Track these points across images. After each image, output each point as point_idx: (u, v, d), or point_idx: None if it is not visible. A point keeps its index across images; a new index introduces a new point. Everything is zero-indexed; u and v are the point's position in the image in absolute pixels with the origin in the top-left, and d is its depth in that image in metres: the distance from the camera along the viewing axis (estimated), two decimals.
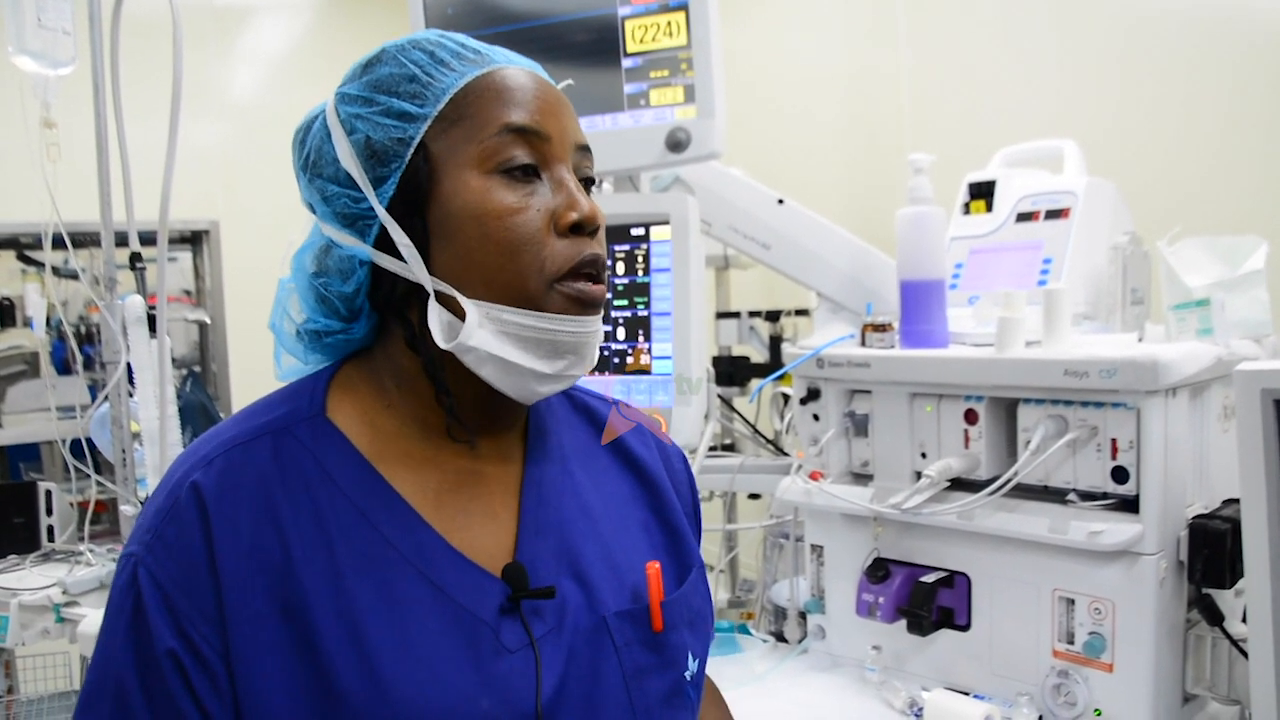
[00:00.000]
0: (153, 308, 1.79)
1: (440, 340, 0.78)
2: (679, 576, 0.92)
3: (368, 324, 0.84)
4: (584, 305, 0.80)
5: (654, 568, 0.86)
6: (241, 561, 0.74)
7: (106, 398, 1.94)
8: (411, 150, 0.78)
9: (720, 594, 2.58)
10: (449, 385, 0.81)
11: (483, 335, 0.77)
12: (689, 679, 0.88)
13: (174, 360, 3.53)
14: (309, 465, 0.78)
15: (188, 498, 0.75)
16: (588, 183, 0.85)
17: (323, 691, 0.72)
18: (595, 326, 0.81)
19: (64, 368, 3.39)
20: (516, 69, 0.82)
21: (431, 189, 0.78)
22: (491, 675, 0.76)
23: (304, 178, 0.83)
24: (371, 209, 0.78)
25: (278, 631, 0.73)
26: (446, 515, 0.81)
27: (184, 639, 0.72)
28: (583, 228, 0.79)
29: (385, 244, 0.79)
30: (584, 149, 0.84)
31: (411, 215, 0.78)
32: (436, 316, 0.78)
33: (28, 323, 3.30)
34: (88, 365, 3.35)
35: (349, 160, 0.79)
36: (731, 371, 2.78)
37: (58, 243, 2.17)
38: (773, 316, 2.81)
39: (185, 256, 3.90)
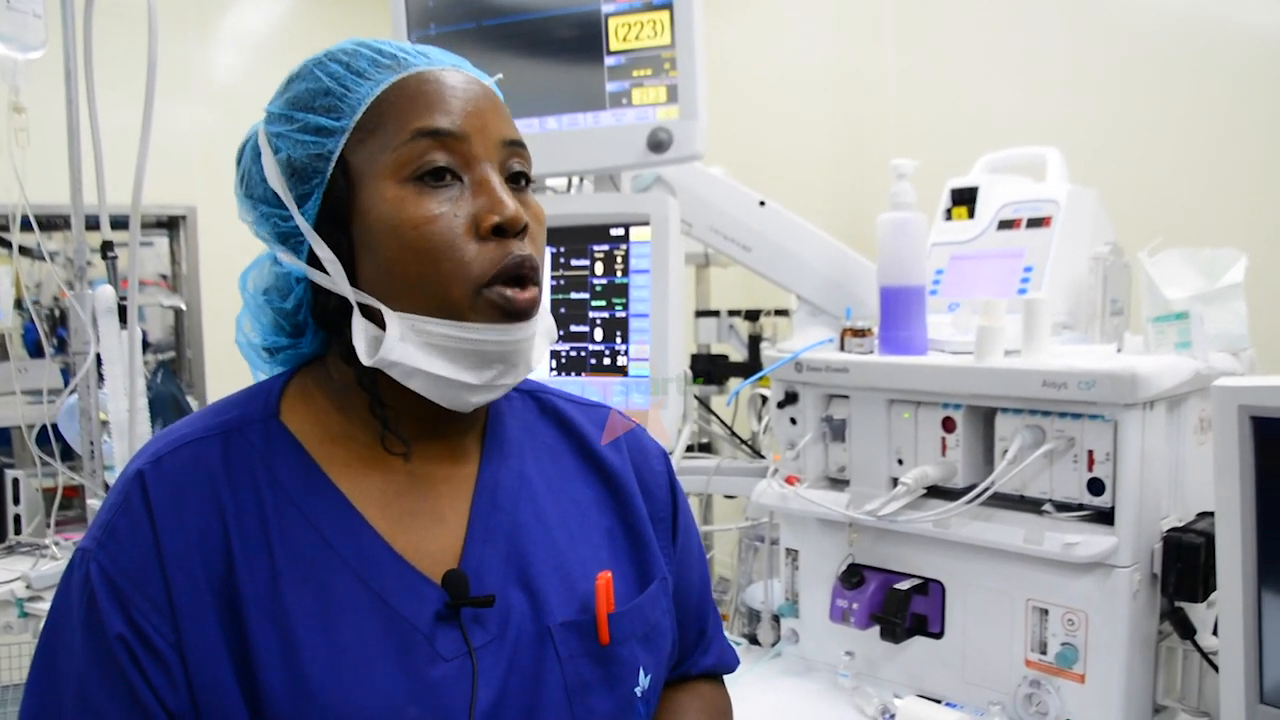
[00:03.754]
0: (124, 293, 1.76)
1: (364, 356, 0.77)
2: (639, 587, 0.90)
3: (315, 340, 0.83)
4: (510, 314, 0.77)
5: (604, 578, 0.84)
6: (188, 555, 0.73)
7: (75, 389, 1.91)
8: (331, 165, 0.77)
9: None
10: (386, 397, 0.80)
11: (405, 349, 0.76)
12: (639, 695, 0.86)
13: (148, 346, 3.49)
14: (258, 467, 0.78)
15: (136, 491, 0.75)
16: (520, 178, 0.81)
17: (253, 693, 0.72)
18: (524, 334, 0.78)
19: (37, 349, 3.33)
20: (434, 70, 0.79)
21: (352, 202, 0.77)
22: (423, 684, 0.75)
23: (240, 196, 0.83)
24: (299, 227, 0.78)
25: (219, 629, 0.73)
26: (392, 518, 0.80)
27: (133, 627, 0.71)
28: (505, 230, 0.77)
29: (318, 259, 0.79)
30: (514, 143, 0.81)
31: (336, 230, 0.78)
32: (361, 331, 0.77)
33: None
34: (62, 348, 3.31)
35: (275, 179, 0.78)
36: (710, 370, 2.78)
37: (27, 226, 2.14)
38: (752, 316, 2.81)
39: (162, 241, 3.87)
